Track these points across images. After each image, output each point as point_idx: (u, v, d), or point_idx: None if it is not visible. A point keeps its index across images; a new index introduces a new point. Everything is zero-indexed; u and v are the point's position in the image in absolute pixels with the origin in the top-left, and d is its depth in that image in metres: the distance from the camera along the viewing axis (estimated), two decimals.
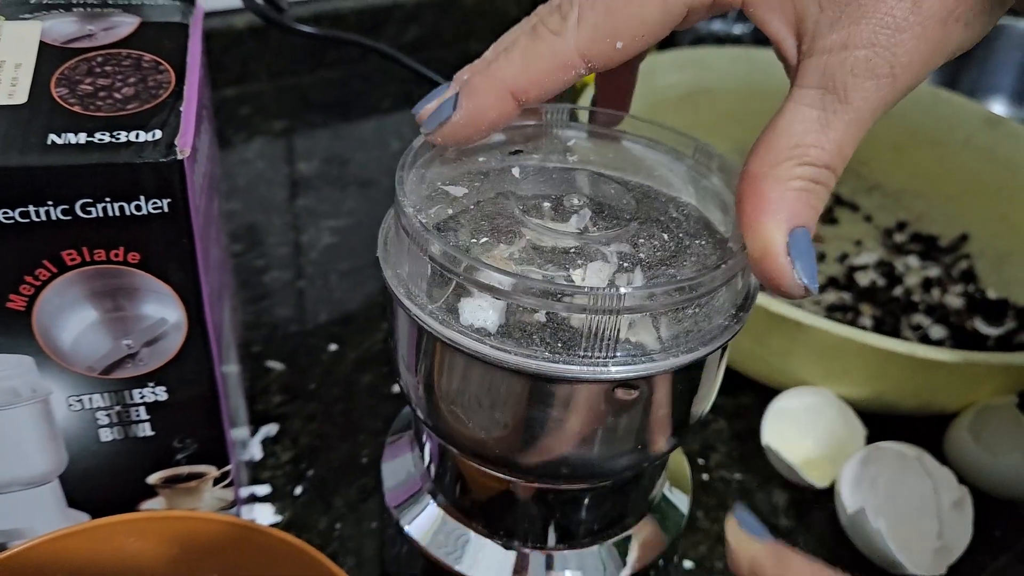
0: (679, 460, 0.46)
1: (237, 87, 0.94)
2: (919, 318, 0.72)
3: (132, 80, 0.37)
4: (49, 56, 0.37)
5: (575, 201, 0.36)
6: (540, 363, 0.32)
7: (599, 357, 0.32)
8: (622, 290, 0.31)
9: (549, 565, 0.41)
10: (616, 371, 0.32)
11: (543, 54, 0.33)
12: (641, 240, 0.35)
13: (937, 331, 0.71)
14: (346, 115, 0.94)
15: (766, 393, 0.62)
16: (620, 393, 0.33)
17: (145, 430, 0.41)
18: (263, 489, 0.54)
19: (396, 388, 0.62)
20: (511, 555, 0.41)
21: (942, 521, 0.56)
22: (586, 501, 0.40)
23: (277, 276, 0.71)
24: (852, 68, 0.31)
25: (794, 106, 0.31)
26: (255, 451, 0.57)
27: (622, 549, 0.42)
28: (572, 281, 0.32)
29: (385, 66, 0.98)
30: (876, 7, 0.31)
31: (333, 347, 0.65)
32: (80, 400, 0.40)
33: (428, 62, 0.66)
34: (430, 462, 0.42)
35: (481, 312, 0.33)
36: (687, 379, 0.35)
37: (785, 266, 0.31)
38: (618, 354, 0.32)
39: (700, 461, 0.60)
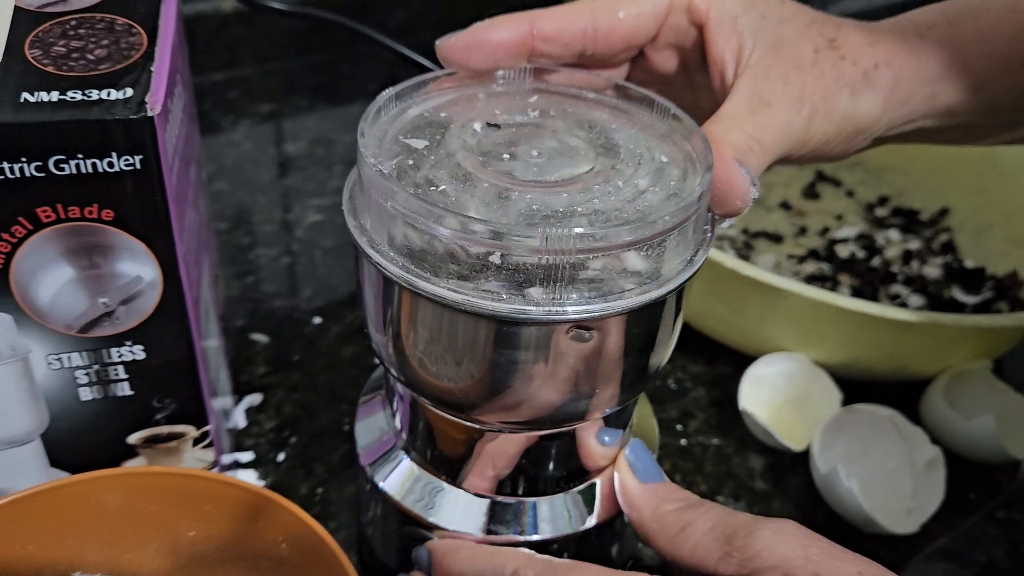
0: (647, 417, 0.47)
1: (224, 71, 0.95)
2: (897, 288, 0.73)
3: (105, 42, 0.38)
4: (23, 20, 0.38)
5: (534, 153, 0.37)
6: (498, 305, 0.33)
7: (555, 298, 0.33)
8: (576, 231, 0.32)
9: (518, 512, 0.42)
10: (572, 311, 0.33)
11: (566, 8, 0.42)
12: (597, 186, 0.36)
13: (915, 300, 0.71)
14: (332, 98, 0.95)
15: (743, 361, 0.63)
16: (577, 334, 0.34)
17: (124, 389, 0.42)
18: (246, 456, 0.55)
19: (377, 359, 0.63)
20: (483, 503, 0.42)
21: (915, 481, 0.57)
22: (552, 450, 0.41)
23: (262, 253, 0.72)
24: (772, 85, 0.41)
25: (733, 103, 0.40)
26: (239, 419, 0.58)
27: (587, 498, 0.42)
28: (530, 225, 0.33)
29: (371, 50, 0.99)
30: (788, 52, 0.41)
31: (317, 320, 0.66)
32: (59, 359, 0.41)
33: (413, 46, 0.67)
34: (402, 419, 0.43)
35: (441, 257, 0.34)
36: (644, 321, 0.36)
37: (734, 165, 0.38)
38: (574, 295, 0.33)
39: (678, 427, 0.61)
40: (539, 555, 0.39)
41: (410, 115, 0.40)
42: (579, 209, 0.35)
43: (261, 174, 0.82)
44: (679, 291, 0.36)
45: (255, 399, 0.59)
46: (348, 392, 0.61)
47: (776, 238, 0.78)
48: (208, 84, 0.93)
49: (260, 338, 0.64)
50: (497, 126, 0.39)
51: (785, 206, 0.82)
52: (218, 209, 0.76)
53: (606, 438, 0.42)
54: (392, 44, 0.68)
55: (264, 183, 0.81)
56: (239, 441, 0.56)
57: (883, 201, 0.85)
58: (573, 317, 0.33)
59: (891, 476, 0.57)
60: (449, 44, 0.41)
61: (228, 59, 0.95)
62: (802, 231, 0.80)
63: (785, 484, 0.58)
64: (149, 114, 0.35)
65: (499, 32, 0.41)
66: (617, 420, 0.42)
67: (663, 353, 0.39)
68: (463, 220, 0.32)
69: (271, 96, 0.93)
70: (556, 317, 0.33)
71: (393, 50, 0.68)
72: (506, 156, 0.37)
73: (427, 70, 0.66)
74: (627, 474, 0.42)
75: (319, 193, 0.80)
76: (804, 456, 0.59)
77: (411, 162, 0.37)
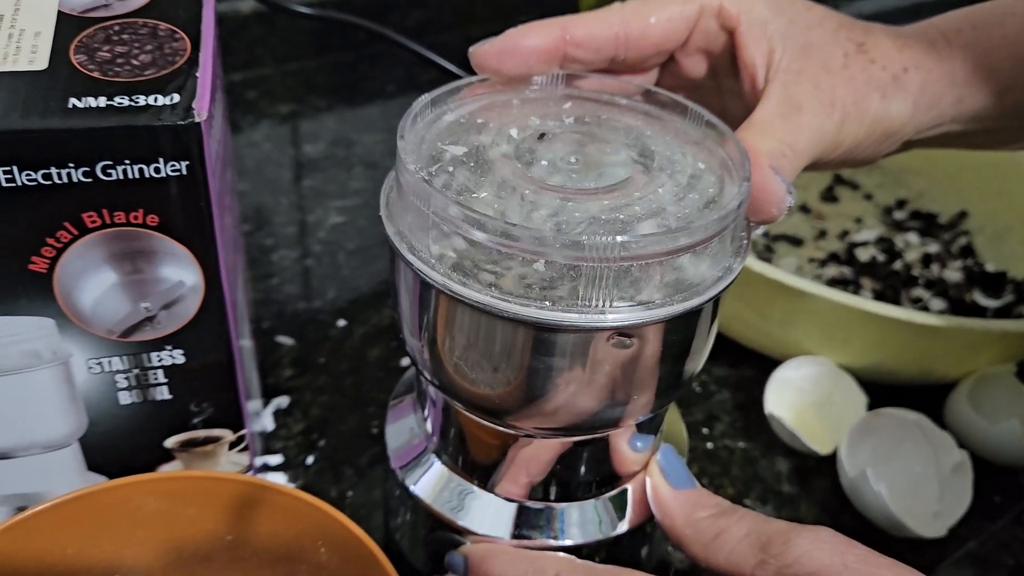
0: (676, 422, 0.47)
1: (244, 72, 0.95)
2: (919, 291, 0.73)
3: (149, 47, 0.38)
4: (67, 25, 0.39)
5: (572, 159, 0.38)
6: (539, 312, 0.33)
7: (596, 306, 0.33)
8: (618, 239, 0.32)
9: (549, 518, 0.42)
10: (613, 319, 0.33)
11: (597, 13, 0.42)
12: (637, 194, 0.36)
13: (936, 303, 0.72)
14: (351, 99, 0.95)
15: (767, 364, 0.63)
16: (617, 341, 0.34)
17: (163, 393, 0.43)
18: (276, 459, 0.56)
19: (405, 361, 0.63)
20: (513, 508, 0.42)
21: (942, 485, 0.57)
22: (584, 455, 0.41)
23: (285, 255, 0.72)
24: (803, 90, 0.41)
25: (764, 108, 0.41)
26: (267, 422, 0.58)
27: (618, 503, 0.43)
28: (571, 233, 0.34)
29: (390, 51, 0.99)
30: (818, 56, 0.42)
31: (342, 323, 0.66)
32: (100, 363, 0.41)
33: (431, 47, 0.67)
34: (434, 422, 0.43)
35: (481, 263, 0.34)
36: (682, 329, 0.36)
37: (770, 174, 0.39)
38: (614, 303, 0.33)
39: (704, 431, 0.61)
40: (579, 560, 0.39)
41: (446, 121, 0.40)
42: (620, 216, 0.35)
43: (282, 175, 0.82)
44: (716, 299, 0.36)
45: (283, 401, 0.59)
46: (374, 394, 0.61)
47: (796, 241, 0.78)
48: (228, 84, 0.93)
49: (285, 340, 0.64)
50: (543, 134, 0.39)
51: (804, 209, 0.82)
52: (240, 210, 0.76)
53: (638, 444, 0.42)
54: (411, 44, 0.68)
55: (285, 184, 0.81)
56: (268, 444, 0.57)
57: (901, 204, 0.85)
58: (614, 324, 0.34)
59: (918, 480, 0.57)
60: (482, 51, 0.41)
61: (247, 59, 0.95)
62: (822, 234, 0.80)
63: (812, 487, 0.58)
64: (196, 120, 0.35)
65: (532, 38, 0.41)
66: (649, 426, 0.42)
67: (698, 360, 0.40)
68: (504, 227, 0.33)
69: (290, 97, 0.93)
70: (597, 324, 0.33)
71: (411, 50, 0.68)
72: (543, 163, 0.38)
73: (445, 70, 0.66)
74: (660, 480, 0.42)
75: (340, 194, 0.80)
76: (830, 459, 0.59)
77: (450, 168, 0.37)
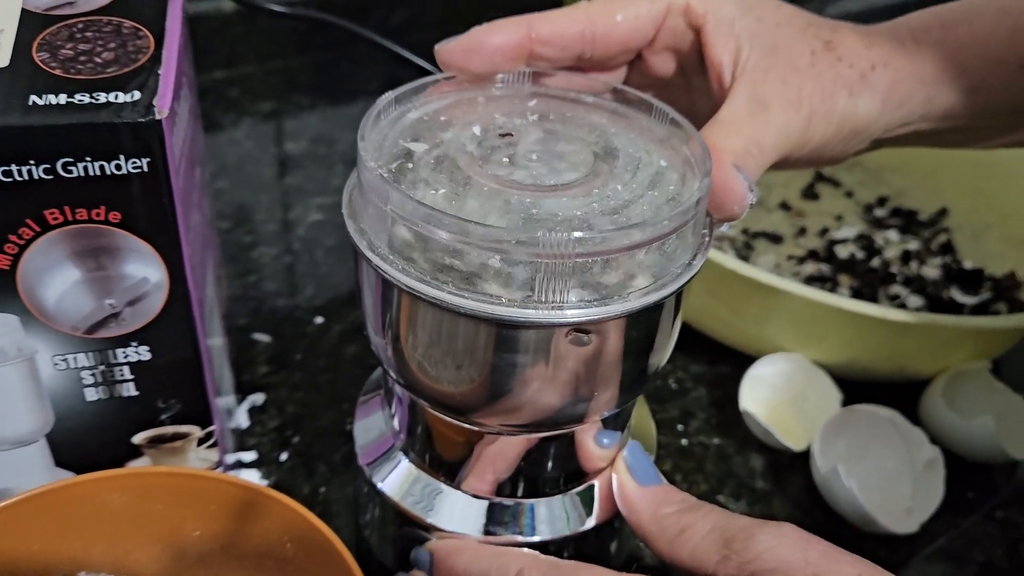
0: (644, 419, 0.47)
1: (225, 70, 0.95)
2: (896, 288, 0.73)
3: (112, 45, 0.38)
4: (31, 22, 0.39)
5: (533, 157, 0.38)
6: (497, 308, 0.33)
7: (554, 302, 0.33)
8: (574, 235, 0.32)
9: (516, 514, 0.42)
10: (571, 315, 0.33)
11: (564, 11, 0.42)
12: (596, 190, 0.36)
13: (914, 301, 0.72)
14: (333, 97, 0.95)
15: (743, 361, 0.63)
16: (574, 338, 0.34)
17: (129, 390, 0.43)
18: (249, 455, 0.56)
19: None
20: (481, 505, 0.42)
21: (915, 481, 0.57)
22: (551, 452, 0.41)
23: (264, 251, 0.72)
24: (770, 88, 0.41)
25: (731, 106, 0.41)
26: (242, 419, 0.58)
27: (586, 499, 0.43)
28: (529, 229, 0.34)
29: (372, 49, 0.99)
30: (785, 54, 0.42)
31: (319, 320, 0.66)
32: (65, 359, 0.41)
33: (414, 46, 0.67)
34: (400, 420, 0.43)
35: (440, 261, 0.34)
36: (642, 324, 0.36)
37: (732, 171, 0.39)
38: (573, 298, 0.33)
39: (679, 427, 0.62)
40: (544, 556, 0.39)
41: (410, 119, 0.40)
42: (578, 213, 0.35)
43: (262, 173, 0.82)
44: (678, 294, 0.37)
45: (258, 399, 0.59)
46: (350, 391, 0.61)
47: (776, 239, 0.78)
48: (209, 82, 0.93)
49: (262, 337, 0.64)
50: (510, 134, 0.39)
51: (785, 207, 0.83)
52: (219, 208, 0.76)
53: (604, 440, 0.42)
54: (388, 44, 0.68)
55: (265, 182, 0.81)
56: (242, 441, 0.57)
57: (882, 201, 0.85)
58: (572, 320, 0.34)
59: (890, 476, 0.57)
60: (448, 48, 0.41)
61: (229, 57, 0.95)
62: (802, 232, 0.80)
63: (785, 484, 0.58)
64: (157, 117, 0.35)
65: (498, 36, 0.41)
66: (615, 422, 0.42)
67: (661, 355, 0.40)
68: (462, 224, 0.33)
69: (272, 95, 0.94)
70: (555, 320, 0.34)
71: (388, 50, 0.68)
72: (505, 160, 0.38)
73: (424, 70, 0.66)
74: (626, 477, 0.42)
75: (320, 192, 0.80)
76: (804, 456, 0.59)
77: (411, 165, 0.37)
